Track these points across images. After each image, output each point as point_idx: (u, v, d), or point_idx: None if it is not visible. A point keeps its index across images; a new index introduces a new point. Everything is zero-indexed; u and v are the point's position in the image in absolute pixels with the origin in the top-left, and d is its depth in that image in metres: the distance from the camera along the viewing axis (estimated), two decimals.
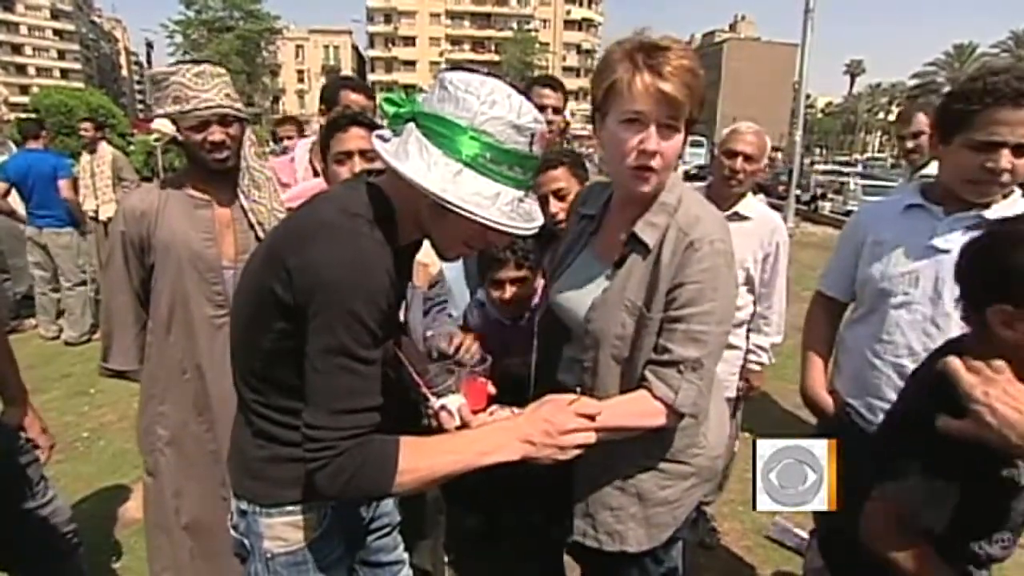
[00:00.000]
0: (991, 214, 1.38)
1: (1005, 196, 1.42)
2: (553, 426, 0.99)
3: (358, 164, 1.70)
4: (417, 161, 0.89)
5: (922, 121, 2.69)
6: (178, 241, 1.63)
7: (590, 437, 0.99)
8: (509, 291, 1.88)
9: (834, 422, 1.63)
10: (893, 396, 1.42)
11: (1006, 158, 1.27)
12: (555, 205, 1.86)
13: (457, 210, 0.88)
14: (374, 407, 0.93)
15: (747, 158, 2.12)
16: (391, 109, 0.94)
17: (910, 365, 1.43)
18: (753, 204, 2.26)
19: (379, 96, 1.04)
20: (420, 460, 0.93)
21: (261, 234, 1.69)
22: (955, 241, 1.38)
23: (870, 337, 1.54)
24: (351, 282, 0.88)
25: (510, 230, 0.92)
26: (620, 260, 1.20)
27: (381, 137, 0.97)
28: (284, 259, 0.92)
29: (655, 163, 1.08)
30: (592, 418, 1.00)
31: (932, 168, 2.43)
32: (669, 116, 1.06)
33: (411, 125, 0.94)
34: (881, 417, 1.45)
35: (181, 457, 1.71)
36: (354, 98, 2.28)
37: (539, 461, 0.99)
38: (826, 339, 1.74)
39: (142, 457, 1.77)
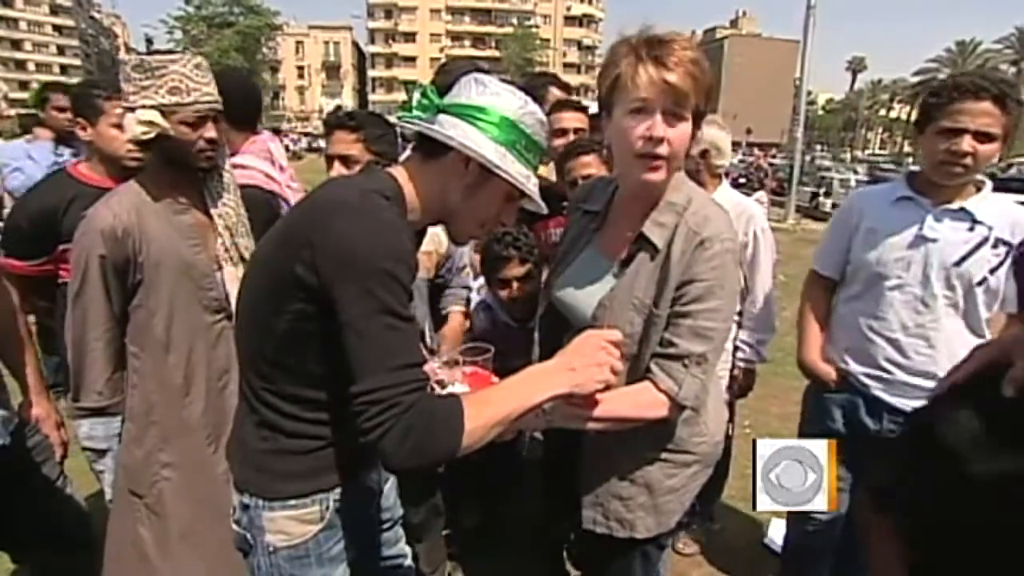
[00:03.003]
0: (971, 205, 1.57)
1: (978, 189, 1.61)
2: (586, 347, 1.02)
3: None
4: (475, 137, 1.00)
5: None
6: (168, 254, 1.49)
7: (618, 364, 1.02)
8: (517, 288, 1.89)
9: (831, 387, 1.82)
10: (887, 364, 1.69)
11: (967, 142, 1.48)
12: None
13: (511, 180, 1.01)
14: (423, 364, 0.93)
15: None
16: (436, 99, 1.04)
17: (903, 338, 1.65)
18: (726, 193, 2.24)
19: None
20: (481, 409, 0.91)
21: (228, 241, 1.60)
22: (941, 230, 1.59)
23: (867, 314, 1.72)
24: (379, 246, 0.89)
25: (541, 206, 1.09)
26: (628, 259, 1.22)
27: (410, 126, 1.06)
28: (306, 238, 0.92)
29: (662, 150, 1.08)
30: (617, 345, 1.03)
31: None
32: (675, 104, 1.07)
33: (443, 116, 1.03)
34: (876, 383, 1.72)
35: (187, 483, 1.56)
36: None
37: (584, 390, 1.00)
38: (821, 314, 1.91)
39: (136, 503, 1.55)
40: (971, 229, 1.56)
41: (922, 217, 1.61)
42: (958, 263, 1.56)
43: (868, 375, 1.73)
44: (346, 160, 1.72)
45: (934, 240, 1.58)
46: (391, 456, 0.87)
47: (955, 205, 1.58)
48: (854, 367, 1.76)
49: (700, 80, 1.07)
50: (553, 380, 0.98)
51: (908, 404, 1.64)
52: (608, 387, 1.03)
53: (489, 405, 0.93)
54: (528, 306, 1.93)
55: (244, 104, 1.99)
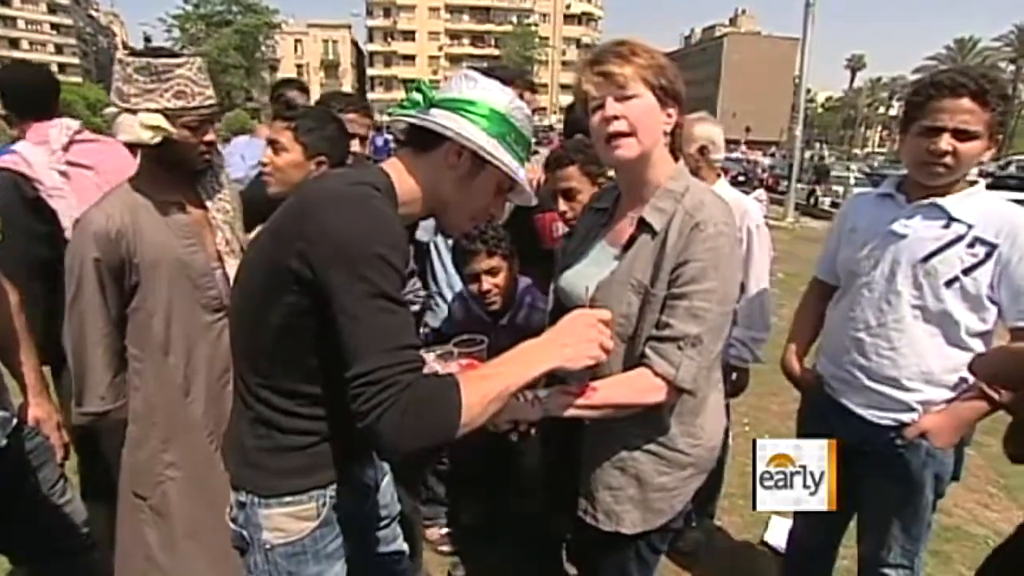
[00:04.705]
0: (948, 202, 1.49)
1: (971, 183, 1.54)
2: (577, 324, 1.04)
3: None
4: (468, 128, 1.03)
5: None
6: (164, 254, 1.48)
7: (608, 342, 1.04)
8: (486, 282, 1.89)
9: (812, 394, 1.80)
10: (851, 367, 1.63)
11: (946, 140, 1.43)
12: (563, 204, 1.87)
13: (503, 168, 1.05)
14: (419, 347, 0.93)
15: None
16: (430, 94, 1.06)
17: (866, 338, 1.59)
18: (723, 189, 2.23)
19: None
20: (477, 385, 0.91)
21: (229, 234, 1.60)
22: (912, 226, 1.53)
23: (843, 315, 1.68)
24: (371, 234, 0.90)
25: (532, 197, 1.16)
26: (629, 243, 1.25)
27: (403, 120, 1.08)
28: (299, 231, 0.93)
29: (619, 126, 1.16)
30: (607, 324, 1.05)
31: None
32: (618, 88, 1.15)
33: (435, 110, 1.05)
34: (842, 386, 1.67)
35: (191, 483, 1.56)
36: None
37: (576, 365, 1.01)
38: (811, 320, 1.90)
39: (140, 505, 1.56)
40: (946, 226, 1.48)
41: (896, 214, 1.57)
42: (924, 260, 1.48)
43: (835, 378, 1.69)
44: (274, 144, 1.74)
45: (904, 236, 1.53)
46: (389, 438, 0.84)
47: (927, 200, 1.51)
48: (827, 370, 1.73)
49: (636, 61, 1.15)
50: (545, 354, 0.99)
51: (873, 415, 1.59)
52: (598, 366, 1.05)
53: (485, 381, 0.93)
54: (501, 299, 1.92)
55: (31, 96, 2.02)
